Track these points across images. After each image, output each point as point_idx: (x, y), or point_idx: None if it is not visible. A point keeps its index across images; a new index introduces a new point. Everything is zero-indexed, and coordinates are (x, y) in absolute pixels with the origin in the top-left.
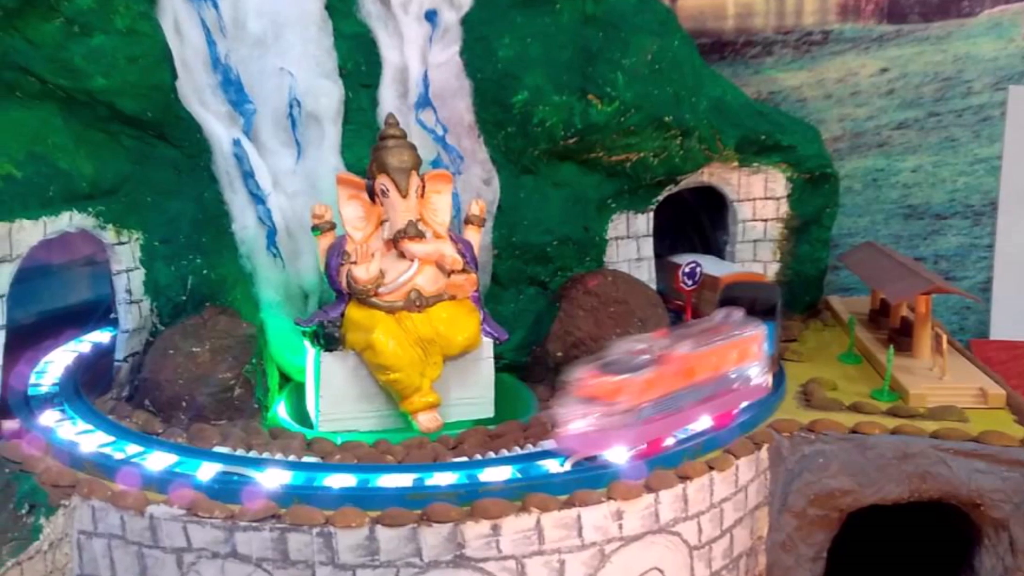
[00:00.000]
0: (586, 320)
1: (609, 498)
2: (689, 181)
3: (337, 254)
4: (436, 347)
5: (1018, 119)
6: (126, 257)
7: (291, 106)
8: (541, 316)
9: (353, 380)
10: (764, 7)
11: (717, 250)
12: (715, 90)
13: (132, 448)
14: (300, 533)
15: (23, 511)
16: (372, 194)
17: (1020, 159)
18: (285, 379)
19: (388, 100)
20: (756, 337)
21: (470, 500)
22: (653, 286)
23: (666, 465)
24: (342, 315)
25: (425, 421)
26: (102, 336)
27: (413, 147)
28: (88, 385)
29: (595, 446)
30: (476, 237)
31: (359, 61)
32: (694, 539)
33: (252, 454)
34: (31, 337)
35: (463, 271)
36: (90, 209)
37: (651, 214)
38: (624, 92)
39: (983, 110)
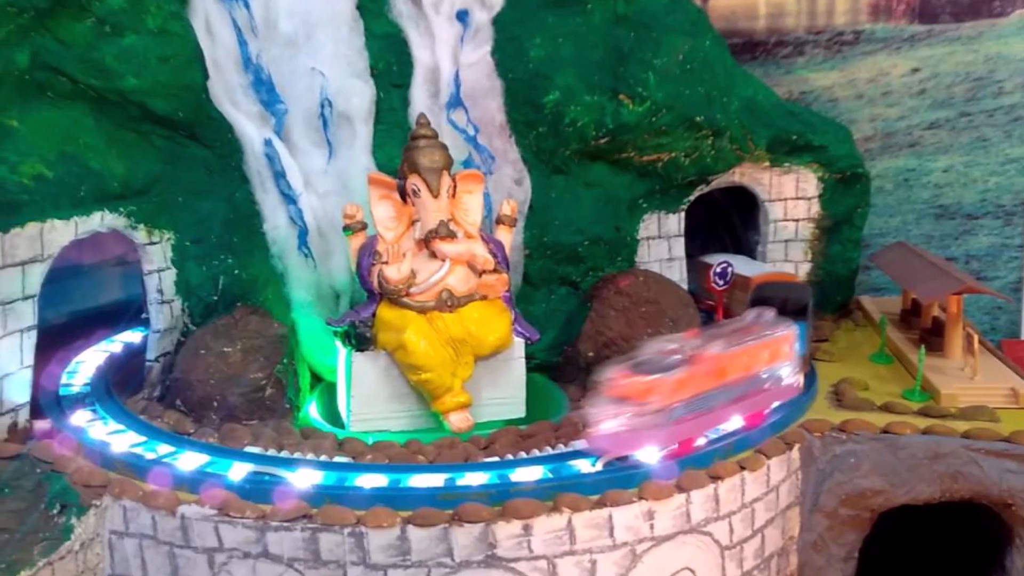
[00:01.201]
0: (617, 320)
1: (640, 498)
2: (720, 181)
3: (368, 254)
4: (467, 347)
5: None
6: (157, 257)
7: (322, 106)
8: (572, 316)
9: (384, 380)
10: (795, 7)
11: (748, 250)
12: (746, 90)
13: (163, 448)
14: (331, 533)
15: (54, 511)
16: (403, 194)
17: None
18: (316, 379)
19: (419, 100)
20: (787, 337)
21: (501, 500)
22: (684, 286)
23: (697, 465)
24: (373, 315)
25: (456, 421)
26: (133, 336)
27: (444, 147)
28: (119, 385)
29: (626, 446)
30: (507, 237)
31: (390, 61)
32: (725, 539)
33: (283, 454)
34: (62, 337)
35: (494, 271)
36: (121, 209)
37: (682, 214)
38: (655, 92)
39: (1014, 110)
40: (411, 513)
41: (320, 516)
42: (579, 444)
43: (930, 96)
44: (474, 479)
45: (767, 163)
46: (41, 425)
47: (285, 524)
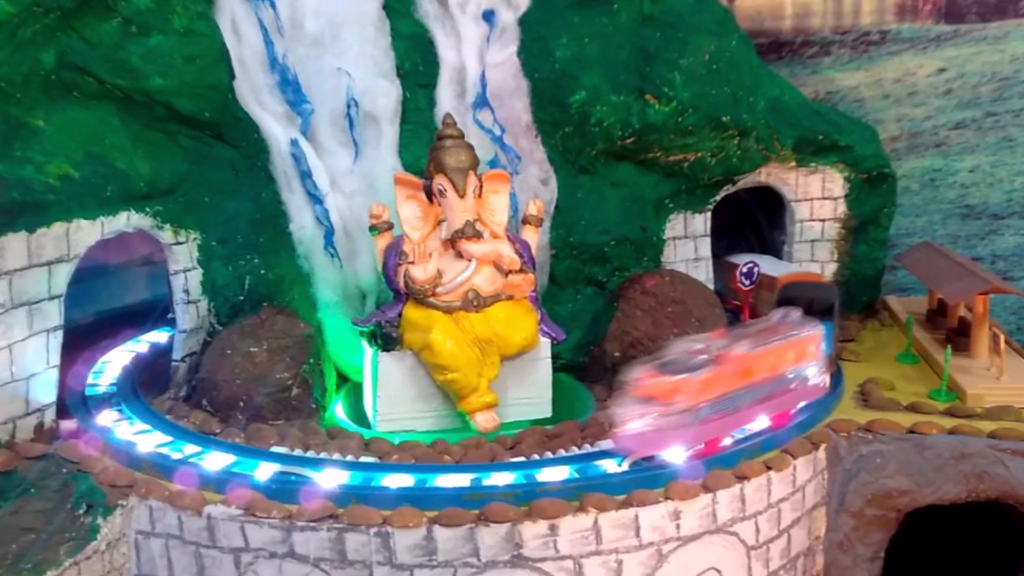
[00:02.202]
0: (644, 320)
1: (667, 498)
2: (747, 181)
3: (395, 254)
4: (494, 347)
5: None
6: (184, 257)
7: (349, 106)
8: (599, 316)
9: (411, 380)
10: (822, 7)
11: (775, 250)
12: (773, 90)
13: (190, 448)
14: (358, 533)
15: (81, 511)
16: (430, 194)
17: None
18: (343, 379)
19: (446, 100)
20: (814, 337)
21: (528, 500)
22: (711, 286)
23: (724, 465)
24: (400, 315)
25: (483, 421)
26: (159, 336)
27: (471, 147)
28: (146, 385)
29: (653, 446)
30: (534, 237)
31: (417, 61)
32: (752, 539)
33: (310, 454)
34: (89, 337)
35: (521, 271)
36: (148, 209)
37: (709, 214)
38: (682, 92)
39: None
40: (437, 513)
41: (346, 516)
42: (605, 444)
43: (956, 96)
44: (500, 479)
45: (793, 163)
46: (67, 425)
47: (311, 524)
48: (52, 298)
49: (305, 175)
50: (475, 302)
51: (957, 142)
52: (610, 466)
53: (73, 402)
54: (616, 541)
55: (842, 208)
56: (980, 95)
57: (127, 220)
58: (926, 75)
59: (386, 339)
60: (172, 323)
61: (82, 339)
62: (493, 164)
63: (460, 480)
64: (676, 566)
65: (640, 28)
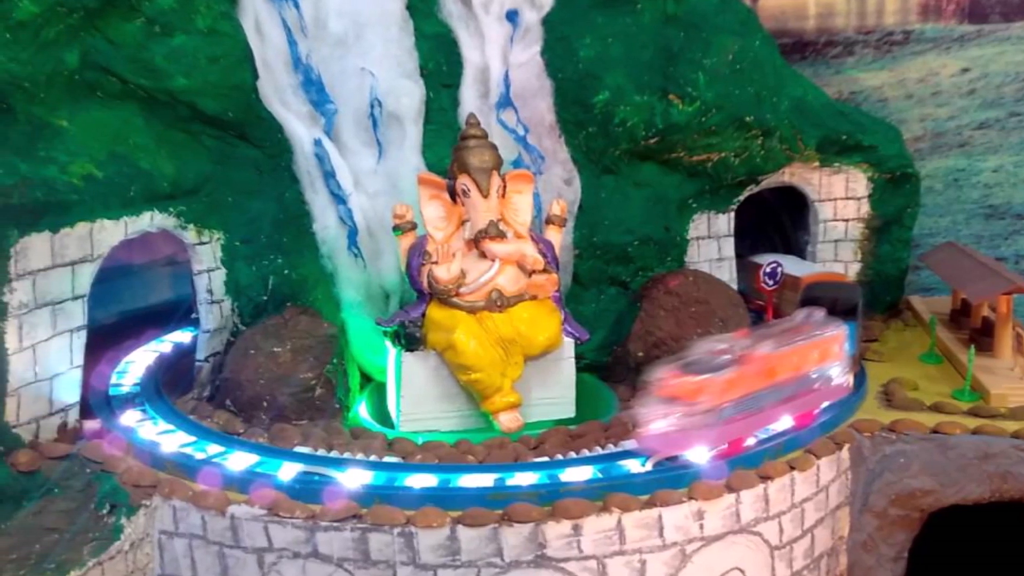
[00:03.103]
0: (667, 320)
1: (690, 498)
2: (770, 181)
3: (418, 254)
4: (517, 347)
5: None
6: (207, 257)
7: (372, 106)
8: (622, 316)
9: (434, 380)
10: (845, 7)
11: (798, 250)
12: (796, 90)
13: (213, 448)
14: (381, 533)
15: (104, 511)
16: (453, 194)
17: None
18: (366, 379)
19: (469, 100)
20: (837, 337)
21: (551, 500)
22: (734, 286)
23: (747, 465)
24: (423, 315)
25: (506, 421)
26: (183, 336)
27: (494, 147)
28: (169, 385)
29: (676, 446)
30: (557, 237)
31: (440, 61)
32: (775, 539)
33: (333, 454)
34: (112, 337)
35: (544, 271)
36: (171, 209)
37: (732, 214)
38: (705, 92)
39: None
40: (461, 513)
41: (370, 516)
42: (629, 444)
43: (980, 96)
44: (524, 479)
45: (817, 163)
46: (91, 425)
47: (335, 524)
48: (75, 298)
49: (328, 175)
50: (499, 302)
51: (980, 142)
52: (634, 466)
53: (97, 402)
54: (640, 541)
55: (865, 208)
56: (1004, 95)
57: (151, 220)
58: (949, 75)
59: (409, 339)
60: (195, 323)
61: (106, 339)
62: (517, 164)
63: (484, 480)
64: (700, 566)
65: (664, 28)
